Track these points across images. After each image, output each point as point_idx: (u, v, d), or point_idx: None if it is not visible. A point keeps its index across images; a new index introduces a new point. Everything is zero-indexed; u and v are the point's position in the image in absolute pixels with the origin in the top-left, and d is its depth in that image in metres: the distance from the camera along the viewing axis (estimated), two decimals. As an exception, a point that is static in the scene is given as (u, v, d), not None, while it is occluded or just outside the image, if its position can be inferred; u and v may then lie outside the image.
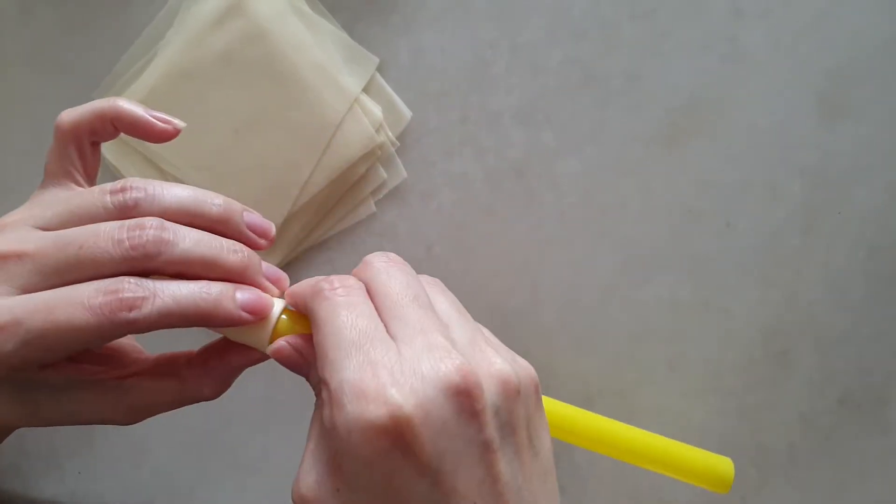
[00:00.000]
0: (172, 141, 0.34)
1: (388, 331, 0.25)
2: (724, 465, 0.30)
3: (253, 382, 0.39)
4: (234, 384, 0.39)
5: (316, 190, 0.36)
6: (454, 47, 0.36)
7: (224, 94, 0.36)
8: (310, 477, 0.25)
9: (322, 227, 0.38)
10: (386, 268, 0.27)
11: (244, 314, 0.26)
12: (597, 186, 0.36)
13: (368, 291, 0.27)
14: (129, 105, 0.29)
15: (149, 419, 0.38)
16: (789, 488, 0.35)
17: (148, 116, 0.29)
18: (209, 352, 0.29)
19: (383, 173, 0.37)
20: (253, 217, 0.28)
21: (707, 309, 0.35)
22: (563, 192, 0.36)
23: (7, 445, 0.41)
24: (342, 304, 0.26)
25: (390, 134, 0.37)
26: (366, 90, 0.37)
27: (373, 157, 0.37)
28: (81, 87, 0.39)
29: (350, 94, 0.36)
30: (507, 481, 0.24)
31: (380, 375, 0.23)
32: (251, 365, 0.29)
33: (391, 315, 0.26)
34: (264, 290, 0.28)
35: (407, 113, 0.37)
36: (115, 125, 0.29)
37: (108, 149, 0.38)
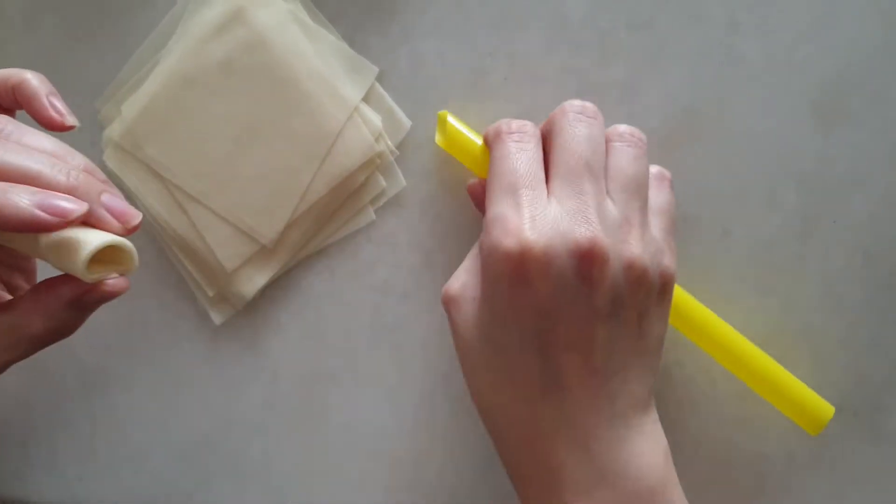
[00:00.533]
0: (175, 149, 0.35)
1: (549, 184, 0.29)
2: (826, 407, 0.33)
3: (252, 387, 0.39)
4: (232, 389, 0.39)
5: (316, 198, 0.37)
6: (453, 56, 0.37)
7: (225, 102, 0.37)
8: (458, 281, 0.30)
9: (322, 234, 0.38)
10: (574, 122, 0.30)
11: (38, 212, 0.26)
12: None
13: (551, 140, 0.30)
14: (35, 81, 0.30)
15: (149, 425, 0.38)
16: (787, 497, 0.35)
17: (44, 99, 0.30)
18: (41, 283, 0.29)
19: (382, 182, 0.37)
20: (114, 200, 0.28)
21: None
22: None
23: (9, 452, 0.41)
24: (513, 149, 0.30)
25: (390, 143, 0.37)
26: (366, 99, 0.37)
27: (372, 165, 0.37)
28: (85, 95, 0.39)
29: (350, 103, 0.36)
30: (602, 344, 0.28)
31: (523, 217, 0.28)
32: (86, 298, 0.29)
33: (557, 172, 0.29)
34: (97, 215, 0.27)
35: (406, 122, 0.37)
36: (16, 95, 0.30)
37: (109, 157, 0.38)
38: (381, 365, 0.38)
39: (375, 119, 0.37)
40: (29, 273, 0.35)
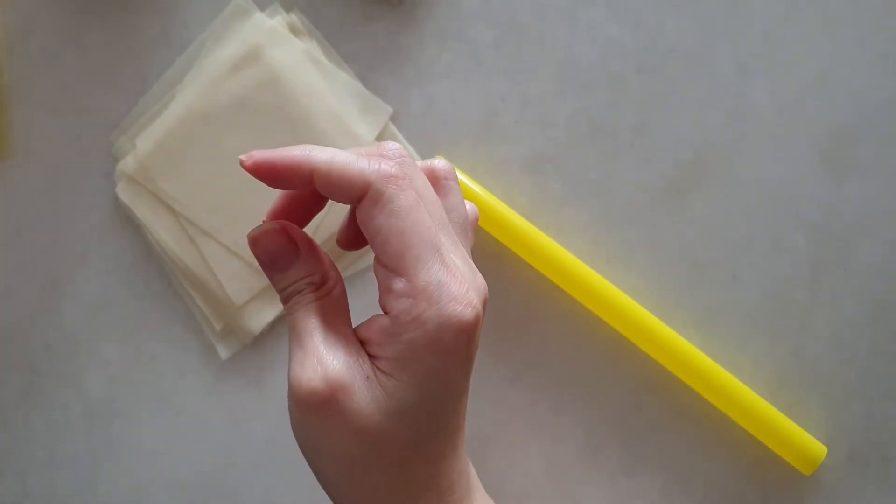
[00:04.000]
0: (187, 183, 0.35)
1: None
2: (818, 446, 0.33)
3: (256, 424, 0.39)
4: (236, 425, 0.39)
5: (327, 235, 0.37)
6: (466, 98, 0.37)
7: (239, 139, 0.37)
8: (331, 365, 0.25)
9: (332, 270, 0.38)
10: (457, 188, 0.28)
11: None
12: (603, 236, 0.37)
13: (433, 194, 0.26)
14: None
15: (151, 460, 0.37)
16: (797, 546, 0.35)
17: None
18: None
19: (393, 219, 0.38)
20: None
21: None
22: (569, 241, 0.36)
23: (8, 484, 0.40)
24: (416, 199, 0.25)
25: (401, 181, 0.38)
26: (379, 138, 0.38)
27: (383, 203, 0.37)
28: (101, 129, 0.40)
29: (363, 142, 0.37)
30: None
31: (460, 280, 0.25)
32: None
33: (440, 227, 0.26)
34: None
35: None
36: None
37: (122, 189, 0.39)
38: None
39: (387, 158, 0.37)
40: None
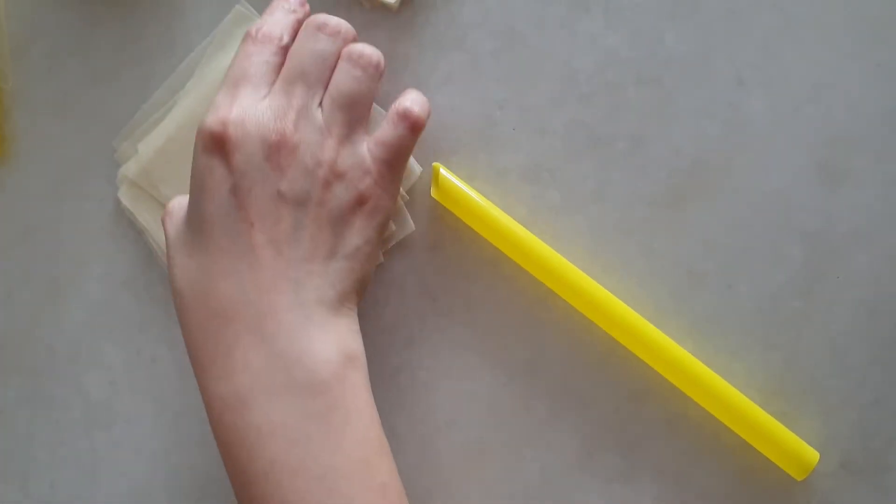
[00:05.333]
0: (188, 189, 0.35)
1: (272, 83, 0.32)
2: (810, 451, 0.34)
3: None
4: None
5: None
6: (464, 107, 0.38)
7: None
8: (177, 200, 0.34)
9: (330, 276, 0.38)
10: (309, 35, 0.32)
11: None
12: (600, 245, 0.37)
13: (294, 48, 0.32)
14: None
15: (151, 461, 0.38)
16: (791, 553, 0.35)
17: None
18: None
19: (392, 225, 0.38)
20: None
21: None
22: (566, 249, 0.37)
23: (8, 485, 0.41)
24: (251, 51, 0.32)
25: (401, 188, 0.38)
26: (377, 145, 0.38)
27: (382, 210, 0.38)
28: (103, 134, 0.40)
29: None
30: (287, 229, 0.30)
31: (233, 106, 0.31)
32: None
33: (279, 77, 0.32)
34: None
35: (417, 168, 0.38)
36: None
37: (124, 194, 0.39)
38: (384, 408, 0.38)
39: (387, 165, 0.38)
40: None
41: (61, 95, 0.41)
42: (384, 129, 0.33)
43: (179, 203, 0.33)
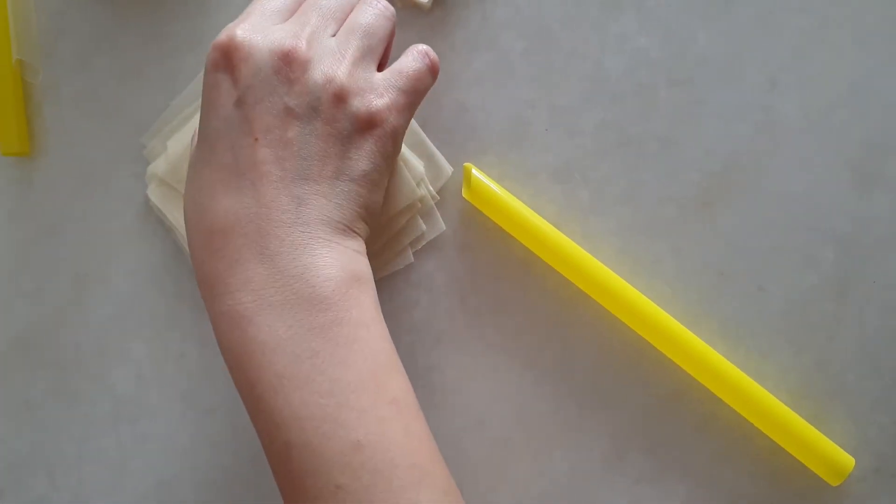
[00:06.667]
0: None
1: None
2: (846, 457, 0.33)
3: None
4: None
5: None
6: (495, 106, 0.38)
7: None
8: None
9: (360, 275, 0.38)
10: None
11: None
12: (630, 245, 0.37)
13: None
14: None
15: (178, 456, 0.38)
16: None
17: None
18: None
19: (423, 225, 0.38)
20: None
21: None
22: (597, 249, 0.37)
23: (36, 480, 0.41)
24: None
25: (431, 188, 0.38)
26: (409, 144, 0.38)
27: (413, 209, 0.38)
28: (131, 131, 0.40)
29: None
30: (293, 144, 0.29)
31: (244, 25, 0.30)
32: None
33: (299, 12, 0.31)
34: None
35: (448, 168, 0.38)
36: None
37: (153, 191, 0.39)
38: (412, 406, 0.38)
39: (418, 164, 0.38)
40: None
41: (90, 91, 0.41)
42: (403, 60, 0.32)
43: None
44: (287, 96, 0.29)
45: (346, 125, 0.30)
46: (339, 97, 0.30)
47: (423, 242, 0.38)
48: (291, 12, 0.32)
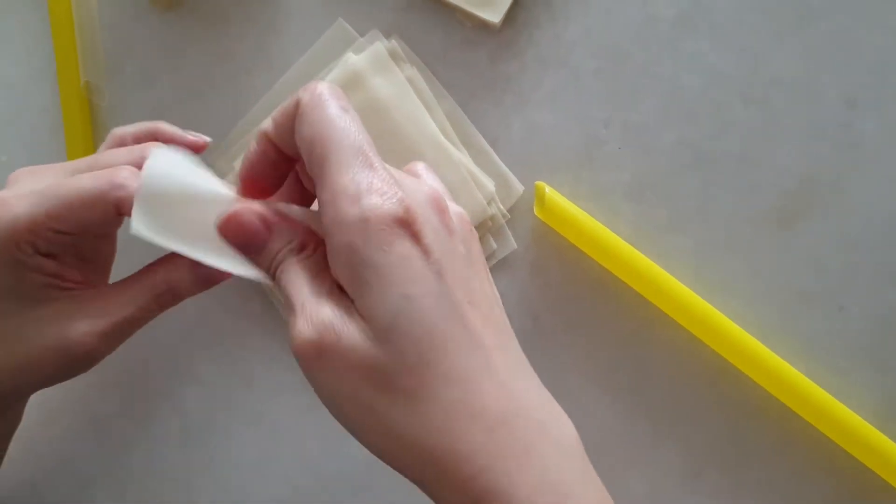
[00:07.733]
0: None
1: None
2: None
3: (354, 447, 0.39)
4: (330, 442, 0.39)
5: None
6: (567, 125, 0.38)
7: (337, 162, 0.37)
8: (323, 306, 0.24)
9: (433, 295, 0.38)
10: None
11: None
12: (706, 264, 0.37)
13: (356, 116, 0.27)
14: (167, 125, 0.35)
15: (246, 475, 0.38)
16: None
17: (181, 132, 0.34)
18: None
19: (493, 244, 0.38)
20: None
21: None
22: (672, 268, 0.37)
23: (106, 498, 0.41)
24: (341, 107, 0.25)
25: (501, 207, 0.38)
26: (480, 163, 0.38)
27: (484, 228, 0.38)
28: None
29: (463, 167, 0.37)
30: (474, 287, 0.26)
31: (384, 177, 0.24)
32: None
33: (366, 138, 0.26)
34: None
35: (519, 187, 0.38)
36: (157, 137, 0.34)
37: (223, 211, 0.39)
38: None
39: (489, 183, 0.38)
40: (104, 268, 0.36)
41: (156, 112, 0.41)
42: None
43: (339, 318, 0.24)
44: (457, 245, 0.26)
45: (479, 251, 0.28)
46: (471, 227, 0.28)
47: (495, 261, 0.38)
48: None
